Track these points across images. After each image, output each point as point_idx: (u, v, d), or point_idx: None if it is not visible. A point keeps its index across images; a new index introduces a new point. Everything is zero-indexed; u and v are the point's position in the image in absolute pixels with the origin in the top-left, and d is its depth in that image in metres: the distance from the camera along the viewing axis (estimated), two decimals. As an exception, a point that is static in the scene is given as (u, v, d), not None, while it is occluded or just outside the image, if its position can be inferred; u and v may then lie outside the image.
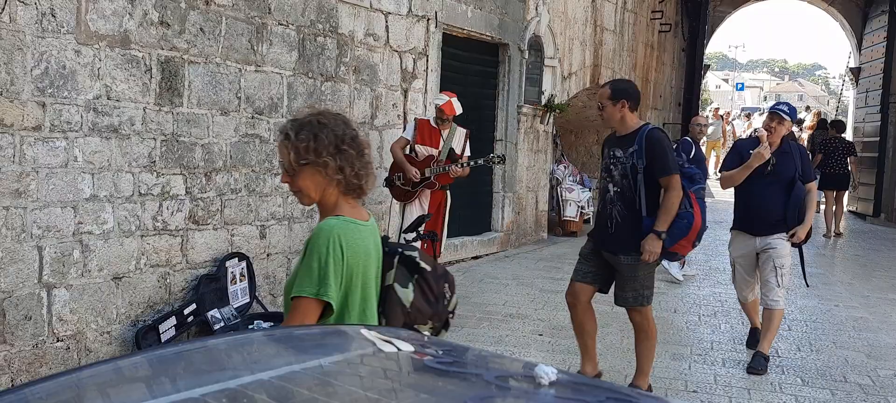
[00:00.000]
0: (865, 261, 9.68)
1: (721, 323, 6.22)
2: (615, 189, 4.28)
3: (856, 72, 15.46)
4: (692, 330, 6.05)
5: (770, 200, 5.01)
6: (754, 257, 5.17)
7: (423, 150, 6.27)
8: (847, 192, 12.25)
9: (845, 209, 12.61)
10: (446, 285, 2.39)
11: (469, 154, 6.56)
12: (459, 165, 6.36)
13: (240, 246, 5.55)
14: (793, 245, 5.09)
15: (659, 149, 4.16)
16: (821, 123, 14.28)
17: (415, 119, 6.55)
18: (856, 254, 10.31)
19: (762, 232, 5.07)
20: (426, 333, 2.28)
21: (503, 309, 6.42)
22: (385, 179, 6.40)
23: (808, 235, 5.13)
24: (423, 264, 2.34)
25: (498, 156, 6.73)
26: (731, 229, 5.36)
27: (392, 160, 6.40)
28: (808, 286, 5.22)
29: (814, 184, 5.18)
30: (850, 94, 16.52)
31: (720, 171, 5.49)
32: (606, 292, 4.55)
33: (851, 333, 6.09)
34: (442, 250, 6.52)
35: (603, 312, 6.41)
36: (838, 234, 11.57)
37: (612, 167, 4.31)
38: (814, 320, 6.44)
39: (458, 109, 6.31)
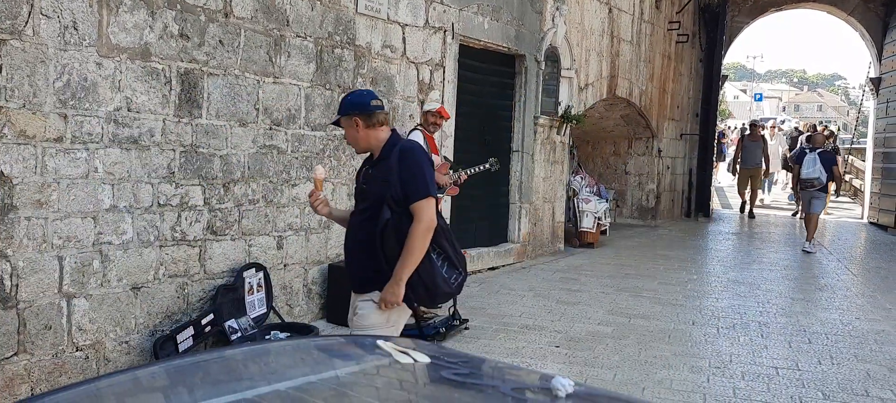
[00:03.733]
0: (887, 274, 9.55)
1: (740, 336, 6.16)
2: None
3: (876, 83, 15.29)
4: (710, 342, 6.00)
5: (353, 240, 3.36)
6: None
7: (436, 159, 6.35)
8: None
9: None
10: None
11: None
12: (469, 171, 6.66)
13: (257, 257, 5.58)
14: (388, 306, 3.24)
15: None
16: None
17: (417, 128, 6.40)
18: (877, 266, 10.18)
19: (355, 288, 3.40)
20: None
21: (520, 321, 6.40)
22: None
23: (429, 294, 3.25)
24: None
25: (494, 161, 6.90)
26: None
27: None
28: None
29: (426, 204, 3.18)
30: (870, 105, 16.33)
31: None
32: None
33: (873, 346, 6.01)
34: None
35: (620, 324, 6.39)
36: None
37: None
38: (834, 333, 6.36)
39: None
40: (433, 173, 3.28)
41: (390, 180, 3.22)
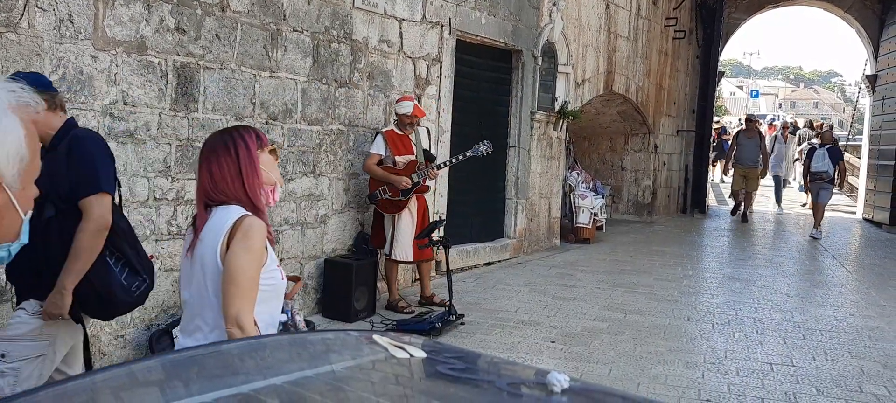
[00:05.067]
0: (881, 270, 9.59)
1: (735, 332, 6.18)
2: None
3: (872, 80, 15.33)
4: (705, 338, 6.01)
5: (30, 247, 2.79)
6: None
7: (402, 159, 6.25)
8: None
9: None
10: None
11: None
12: (445, 163, 6.67)
13: (253, 251, 5.56)
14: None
15: None
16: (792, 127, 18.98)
17: (379, 133, 6.34)
18: (872, 263, 10.21)
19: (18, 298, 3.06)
20: None
21: (515, 316, 6.41)
22: (368, 196, 6.36)
23: (104, 304, 2.90)
24: None
25: (484, 144, 6.60)
26: None
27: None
28: None
29: (97, 200, 2.77)
30: (866, 102, 16.36)
31: None
32: None
33: (867, 343, 6.03)
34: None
35: (616, 319, 6.40)
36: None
37: None
38: (829, 329, 6.38)
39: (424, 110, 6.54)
40: (109, 166, 2.88)
41: (58, 173, 2.72)
